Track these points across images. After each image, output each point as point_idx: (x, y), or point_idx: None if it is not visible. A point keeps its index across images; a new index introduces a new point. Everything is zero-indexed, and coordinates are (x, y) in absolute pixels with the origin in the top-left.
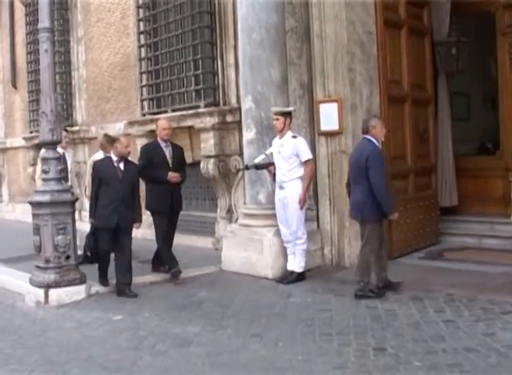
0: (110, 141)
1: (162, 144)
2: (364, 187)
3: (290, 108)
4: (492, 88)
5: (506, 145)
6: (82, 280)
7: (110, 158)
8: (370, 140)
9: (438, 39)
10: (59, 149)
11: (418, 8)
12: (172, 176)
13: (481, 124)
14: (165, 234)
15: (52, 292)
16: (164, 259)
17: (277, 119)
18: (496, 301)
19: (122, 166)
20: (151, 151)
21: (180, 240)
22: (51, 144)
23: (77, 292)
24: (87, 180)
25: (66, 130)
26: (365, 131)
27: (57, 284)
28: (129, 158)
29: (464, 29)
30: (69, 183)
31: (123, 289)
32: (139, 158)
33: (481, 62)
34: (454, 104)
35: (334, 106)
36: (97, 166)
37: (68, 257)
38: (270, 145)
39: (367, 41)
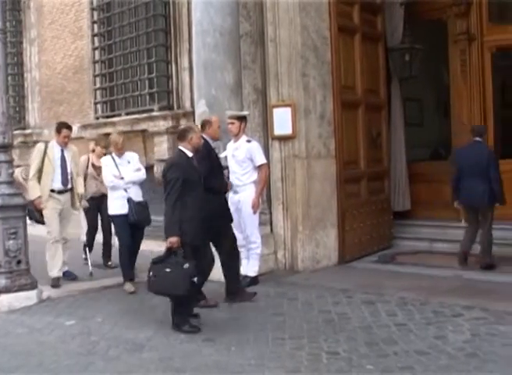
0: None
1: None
2: (486, 179)
3: (245, 113)
4: (444, 94)
5: None
6: (33, 285)
7: (185, 153)
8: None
9: (391, 45)
10: (58, 148)
11: (372, 14)
12: None
13: (434, 130)
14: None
15: (3, 297)
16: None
17: (232, 123)
18: (447, 304)
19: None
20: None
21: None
22: (3, 148)
23: (28, 297)
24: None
25: (68, 127)
26: (479, 134)
27: (7, 290)
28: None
29: (417, 36)
30: (70, 186)
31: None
32: None
33: (434, 68)
34: (407, 109)
35: (287, 111)
36: (177, 166)
37: (19, 262)
38: (224, 149)
39: (321, 46)
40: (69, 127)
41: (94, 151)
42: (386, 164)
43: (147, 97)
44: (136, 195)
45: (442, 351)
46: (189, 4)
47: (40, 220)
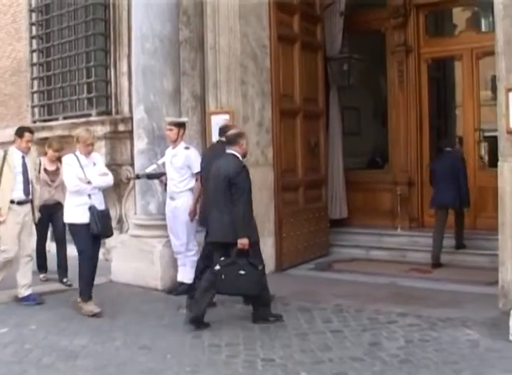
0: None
1: None
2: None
3: (184, 119)
4: (382, 104)
5: (394, 159)
6: None
7: (240, 158)
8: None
9: (330, 54)
10: (19, 154)
11: (312, 24)
12: None
13: (371, 138)
14: None
15: None
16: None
17: (171, 130)
18: (382, 311)
19: None
20: None
21: (70, 251)
22: None
23: None
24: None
25: (30, 131)
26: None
27: None
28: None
29: (356, 46)
30: (31, 196)
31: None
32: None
33: (372, 78)
34: (345, 118)
35: (226, 118)
36: (246, 170)
37: None
38: (162, 155)
39: (260, 55)
40: (32, 131)
41: (46, 154)
42: (324, 172)
43: (86, 101)
44: (100, 203)
45: (376, 358)
46: (129, 9)
47: None
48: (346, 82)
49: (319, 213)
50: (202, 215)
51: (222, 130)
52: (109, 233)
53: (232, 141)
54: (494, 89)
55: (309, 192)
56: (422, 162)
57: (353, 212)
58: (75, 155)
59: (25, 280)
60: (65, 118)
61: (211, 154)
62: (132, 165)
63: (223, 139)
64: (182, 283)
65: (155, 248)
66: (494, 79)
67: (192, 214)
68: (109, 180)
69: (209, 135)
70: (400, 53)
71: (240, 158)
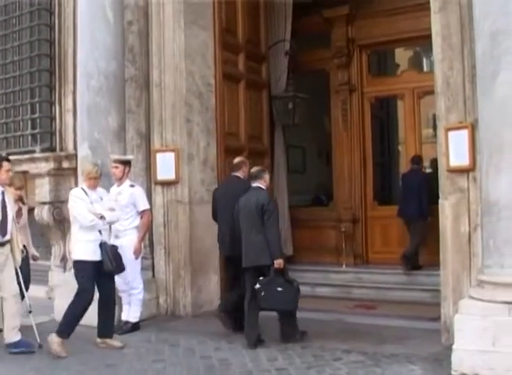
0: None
1: None
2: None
3: (130, 157)
4: (326, 142)
5: (339, 197)
6: None
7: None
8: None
9: (275, 93)
10: None
11: (257, 63)
12: None
13: (316, 176)
14: None
15: None
16: None
17: (116, 167)
18: (327, 348)
19: None
20: None
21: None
22: None
23: None
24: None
25: (7, 160)
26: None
27: None
28: None
29: (300, 85)
30: (8, 237)
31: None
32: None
33: (317, 116)
34: (290, 156)
35: (171, 156)
36: (275, 200)
37: None
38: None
39: (205, 93)
40: (9, 160)
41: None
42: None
43: (30, 138)
44: (108, 239)
45: None
46: (74, 45)
47: None
48: (291, 121)
49: None
50: (226, 244)
51: (237, 166)
52: (123, 269)
53: (258, 176)
54: (435, 127)
55: None
56: (366, 199)
57: (299, 249)
58: (82, 189)
59: (13, 321)
60: (8, 154)
61: (225, 187)
62: None
63: (238, 174)
64: (126, 322)
65: None
66: (435, 117)
67: (137, 252)
68: (119, 215)
69: (154, 173)
70: (343, 92)
71: (265, 189)
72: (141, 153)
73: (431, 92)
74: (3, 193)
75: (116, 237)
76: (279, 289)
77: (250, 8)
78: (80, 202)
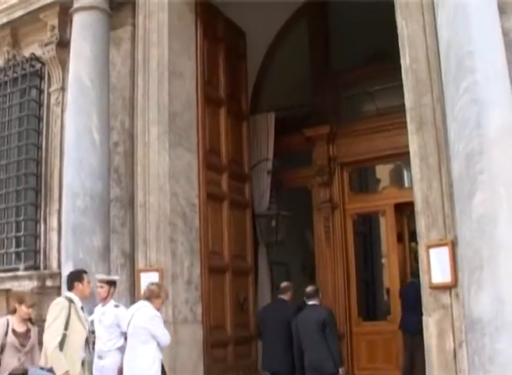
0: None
1: None
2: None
3: (116, 277)
4: (310, 258)
5: None
6: None
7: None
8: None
9: (258, 211)
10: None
11: (240, 182)
12: None
13: (300, 293)
14: None
15: None
16: None
17: (101, 287)
18: None
19: None
20: None
21: None
22: None
23: None
24: None
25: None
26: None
27: None
28: None
29: (283, 202)
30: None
31: None
32: None
33: (300, 233)
34: (274, 273)
35: (155, 276)
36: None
37: None
38: (90, 313)
39: (189, 213)
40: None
41: (14, 311)
42: (253, 328)
43: (14, 255)
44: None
45: None
46: (61, 166)
47: None
48: (274, 238)
49: (249, 369)
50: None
51: (283, 290)
52: None
53: (314, 295)
54: (417, 242)
55: (239, 348)
56: (350, 315)
57: None
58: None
59: None
60: None
61: (272, 308)
62: None
63: (284, 297)
64: None
65: None
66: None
67: (120, 374)
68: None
69: (138, 293)
70: (326, 209)
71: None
72: (125, 272)
73: (411, 207)
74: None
75: (99, 357)
76: None
77: (234, 129)
78: (160, 320)
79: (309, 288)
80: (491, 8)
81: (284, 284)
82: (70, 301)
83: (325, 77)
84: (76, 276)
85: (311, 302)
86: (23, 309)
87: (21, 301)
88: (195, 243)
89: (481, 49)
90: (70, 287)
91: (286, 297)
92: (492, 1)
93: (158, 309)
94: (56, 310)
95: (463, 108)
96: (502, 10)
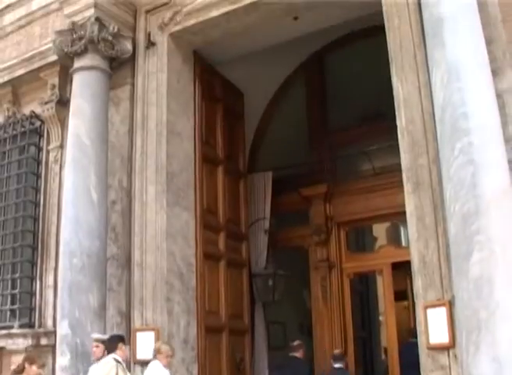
0: None
1: None
2: None
3: None
4: (307, 317)
5: (320, 371)
6: None
7: None
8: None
9: (255, 271)
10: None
11: (237, 241)
12: None
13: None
14: None
15: None
16: None
17: (97, 347)
18: None
19: None
20: None
21: None
22: None
23: None
24: None
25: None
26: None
27: None
28: None
29: (280, 261)
30: None
31: None
32: None
33: (297, 292)
34: (271, 333)
35: (151, 335)
36: None
37: None
38: (84, 373)
39: (186, 272)
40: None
41: (22, 371)
42: None
43: (8, 313)
44: None
45: None
46: (58, 223)
47: None
48: (271, 297)
49: None
50: None
51: (295, 348)
52: None
53: (341, 358)
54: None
55: None
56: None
57: None
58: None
59: None
60: None
61: (286, 365)
62: None
63: (296, 355)
64: None
65: None
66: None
67: None
68: None
69: (134, 352)
70: (323, 268)
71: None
72: (121, 332)
73: (408, 266)
74: None
75: None
76: None
77: (231, 188)
78: None
79: (337, 351)
80: (484, 70)
81: (296, 342)
82: (117, 361)
83: (322, 137)
84: (120, 339)
85: (337, 365)
86: (34, 369)
87: (32, 362)
88: (192, 302)
89: (475, 111)
90: (114, 349)
91: (298, 355)
92: (485, 63)
93: (168, 364)
94: (107, 367)
95: (458, 168)
96: (494, 72)
